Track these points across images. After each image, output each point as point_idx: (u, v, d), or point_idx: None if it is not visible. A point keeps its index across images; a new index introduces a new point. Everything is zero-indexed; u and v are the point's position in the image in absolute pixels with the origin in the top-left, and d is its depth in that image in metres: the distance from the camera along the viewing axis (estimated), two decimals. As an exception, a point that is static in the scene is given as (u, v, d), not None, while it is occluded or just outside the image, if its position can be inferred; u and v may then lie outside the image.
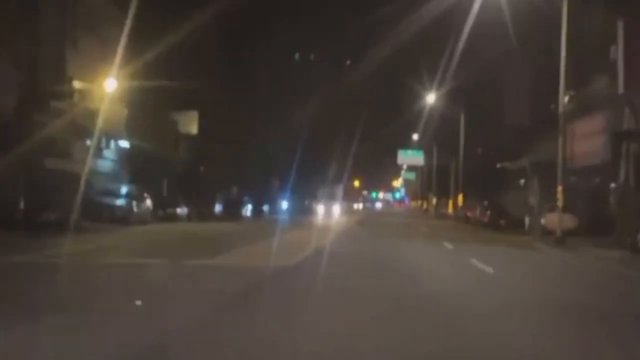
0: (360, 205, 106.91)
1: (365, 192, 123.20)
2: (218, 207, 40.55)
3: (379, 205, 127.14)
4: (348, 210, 68.12)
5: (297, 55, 45.48)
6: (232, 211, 42.56)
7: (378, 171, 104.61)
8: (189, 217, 34.29)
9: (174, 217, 31.50)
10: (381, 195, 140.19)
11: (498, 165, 36.76)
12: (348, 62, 54.04)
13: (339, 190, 51.93)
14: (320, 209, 48.03)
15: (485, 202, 42.26)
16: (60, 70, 24.44)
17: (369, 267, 11.99)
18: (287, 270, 10.98)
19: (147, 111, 31.18)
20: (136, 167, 31.01)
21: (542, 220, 28.21)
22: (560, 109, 23.38)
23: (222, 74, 35.82)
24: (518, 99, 35.99)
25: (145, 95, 30.50)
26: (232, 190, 41.75)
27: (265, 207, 49.39)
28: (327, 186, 50.66)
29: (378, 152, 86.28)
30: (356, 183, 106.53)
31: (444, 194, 63.28)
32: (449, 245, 18.29)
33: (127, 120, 30.18)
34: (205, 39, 32.81)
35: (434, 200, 72.13)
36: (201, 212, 36.30)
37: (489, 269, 11.96)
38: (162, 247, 15.39)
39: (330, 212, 47.21)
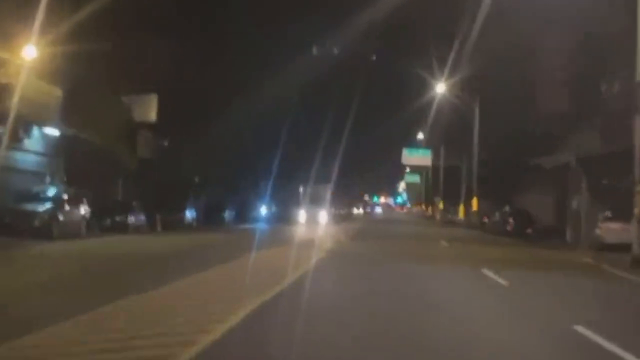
0: (361, 211, 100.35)
1: (366, 197, 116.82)
2: (190, 214, 33.99)
3: (379, 210, 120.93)
4: (345, 217, 61.32)
5: (315, 47, 37.22)
6: (209, 219, 36.29)
7: (379, 174, 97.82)
8: (151, 227, 27.90)
9: (125, 228, 24.88)
10: (382, 199, 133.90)
11: (534, 162, 30.14)
12: (374, 58, 46.36)
13: (327, 191, 43.04)
14: (302, 216, 39.51)
15: (507, 207, 35.85)
16: None
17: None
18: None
19: (91, 93, 24.44)
20: (74, 163, 24.38)
21: (597, 231, 21.72)
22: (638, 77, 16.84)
23: (190, 45, 28.44)
24: (555, 81, 29.23)
25: (88, 72, 23.92)
26: (204, 194, 35.12)
27: (253, 213, 42.83)
28: (312, 187, 41.99)
29: (378, 154, 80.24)
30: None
31: (452, 197, 56.87)
32: (497, 278, 11.46)
33: (62, 104, 23.54)
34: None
35: (441, 205, 66.01)
36: (166, 221, 29.87)
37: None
38: None
39: (316, 220, 38.58)
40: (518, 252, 20.67)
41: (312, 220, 37.46)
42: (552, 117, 30.20)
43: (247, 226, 35.25)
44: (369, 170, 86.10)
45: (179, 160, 31.25)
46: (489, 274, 12.18)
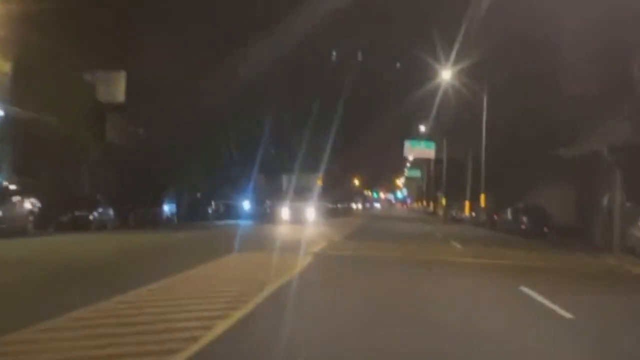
0: (360, 206, 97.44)
1: (365, 192, 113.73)
2: (169, 209, 30.67)
3: (378, 205, 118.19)
4: (341, 213, 57.95)
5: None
6: (192, 215, 33.08)
7: (378, 169, 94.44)
8: (122, 224, 24.68)
9: (87, 225, 21.60)
10: (382, 195, 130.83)
11: (551, 153, 26.81)
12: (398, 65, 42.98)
13: (314, 183, 38.30)
14: (285, 212, 34.78)
15: (520, 204, 32.68)
16: None
17: None
18: None
19: (47, 69, 21.02)
20: (28, 150, 21.05)
21: (637, 233, 18.43)
22: None
23: (164, 13, 24.67)
24: (578, 62, 25.79)
25: (43, 44, 20.49)
26: (188, 187, 31.79)
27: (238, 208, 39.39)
28: (297, 178, 37.28)
29: (378, 148, 76.75)
30: (356, 181, 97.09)
31: (456, 193, 53.79)
32: (549, 304, 7.97)
33: (11, 81, 20.21)
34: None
35: (444, 201, 63.02)
36: (141, 217, 26.64)
37: None
38: None
39: (302, 217, 33.65)
40: (546, 257, 17.20)
41: (296, 216, 33.26)
42: (573, 103, 26.83)
43: (230, 222, 31.99)
44: (368, 165, 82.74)
45: (155, 149, 27.89)
46: (534, 295, 8.81)
